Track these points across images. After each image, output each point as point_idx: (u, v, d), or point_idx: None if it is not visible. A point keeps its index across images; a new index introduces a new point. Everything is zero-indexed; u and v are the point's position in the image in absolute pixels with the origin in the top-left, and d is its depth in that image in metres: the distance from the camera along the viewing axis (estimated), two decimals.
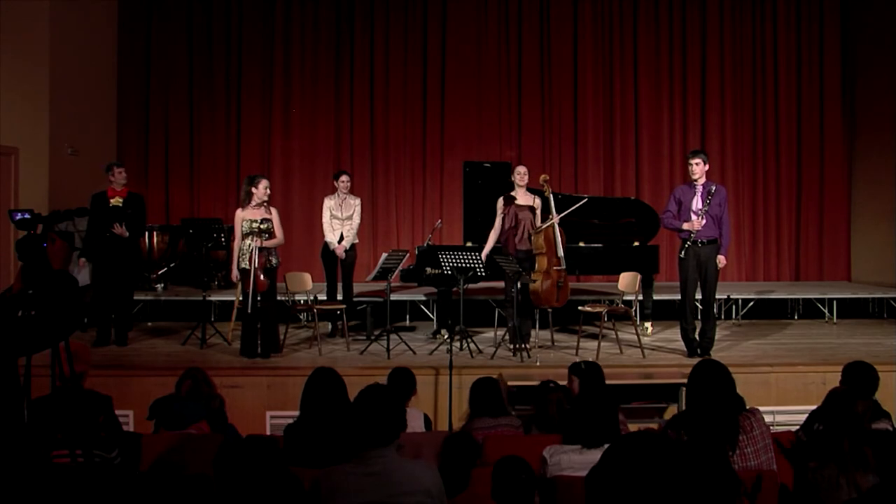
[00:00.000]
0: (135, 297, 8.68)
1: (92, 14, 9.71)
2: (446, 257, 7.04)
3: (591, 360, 4.75)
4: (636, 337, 7.21)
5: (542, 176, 7.27)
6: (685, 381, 5.98)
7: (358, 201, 7.95)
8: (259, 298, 6.60)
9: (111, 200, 7.24)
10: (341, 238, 7.81)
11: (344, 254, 7.76)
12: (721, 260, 6.72)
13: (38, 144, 8.60)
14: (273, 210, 6.79)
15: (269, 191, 6.80)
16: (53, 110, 8.76)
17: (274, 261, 6.68)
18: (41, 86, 8.65)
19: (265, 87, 10.55)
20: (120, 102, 10.39)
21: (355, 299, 8.14)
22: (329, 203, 7.89)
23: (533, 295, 6.90)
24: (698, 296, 6.91)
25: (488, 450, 3.65)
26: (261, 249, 6.51)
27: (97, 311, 7.37)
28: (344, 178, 7.94)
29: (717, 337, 7.94)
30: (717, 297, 8.96)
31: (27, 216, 2.73)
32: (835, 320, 9.07)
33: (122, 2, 10.38)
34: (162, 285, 9.30)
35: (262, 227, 6.54)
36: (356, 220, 7.87)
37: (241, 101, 10.55)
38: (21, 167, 8.43)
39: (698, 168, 6.67)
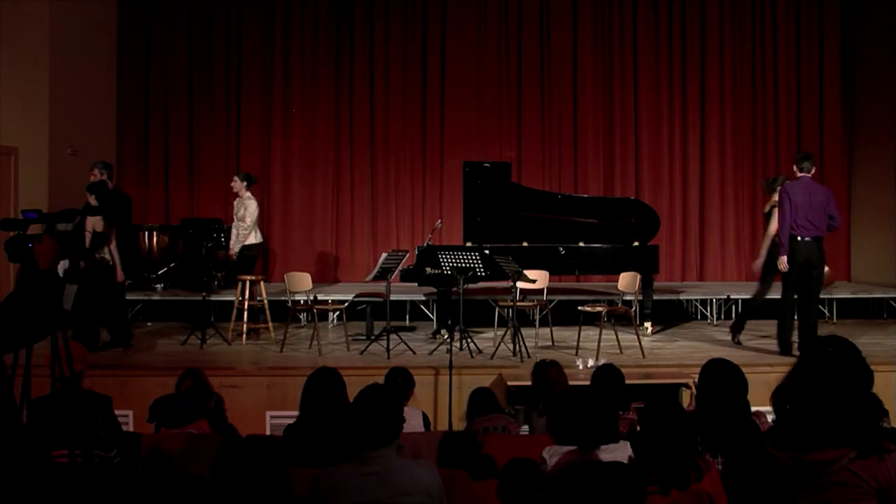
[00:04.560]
0: (134, 298, 8.71)
1: (92, 14, 9.70)
2: (446, 257, 7.05)
3: (604, 362, 4.89)
4: (636, 337, 7.21)
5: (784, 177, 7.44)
6: (685, 381, 6.03)
7: (249, 202, 7.94)
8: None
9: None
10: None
11: (235, 256, 7.91)
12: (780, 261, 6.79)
13: (38, 144, 8.59)
14: None
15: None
16: (53, 110, 8.76)
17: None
18: (41, 86, 8.64)
19: (265, 87, 10.54)
20: (120, 102, 10.38)
21: (355, 299, 8.18)
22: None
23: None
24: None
25: (487, 449, 3.65)
26: None
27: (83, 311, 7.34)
28: (233, 178, 8.14)
29: (716, 338, 8.02)
30: (717, 297, 9.05)
31: (34, 216, 2.75)
32: (835, 320, 9.07)
33: (122, 1, 10.38)
34: (162, 285, 9.30)
35: None
36: (248, 220, 7.89)
37: (241, 101, 10.55)
38: (21, 167, 8.43)
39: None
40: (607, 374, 4.47)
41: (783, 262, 6.72)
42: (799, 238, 6.66)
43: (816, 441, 2.18)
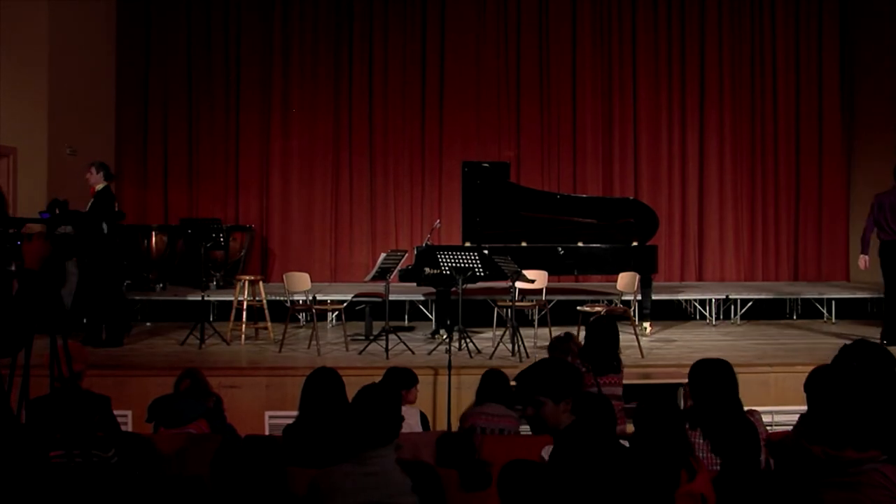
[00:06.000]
0: (133, 298, 8.70)
1: (91, 14, 9.71)
2: (445, 257, 7.05)
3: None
4: (635, 337, 7.21)
5: None
6: (684, 381, 6.02)
7: None
8: None
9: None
10: None
11: None
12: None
13: (37, 144, 8.60)
14: None
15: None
16: (52, 110, 8.76)
17: None
18: (40, 86, 8.65)
19: (265, 87, 10.54)
20: (119, 102, 10.38)
21: (354, 299, 8.18)
22: None
23: None
24: None
25: (486, 449, 3.65)
26: None
27: (81, 310, 7.35)
28: (89, 170, 7.70)
29: (715, 338, 8.02)
30: (716, 297, 9.06)
31: (47, 215, 2.77)
32: (833, 320, 9.08)
33: (122, 2, 10.38)
34: (161, 285, 9.30)
35: None
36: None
37: (240, 101, 10.54)
38: (20, 167, 8.43)
39: None
40: (563, 343, 4.53)
41: (862, 261, 7.63)
42: (884, 239, 7.45)
43: (849, 439, 2.18)
